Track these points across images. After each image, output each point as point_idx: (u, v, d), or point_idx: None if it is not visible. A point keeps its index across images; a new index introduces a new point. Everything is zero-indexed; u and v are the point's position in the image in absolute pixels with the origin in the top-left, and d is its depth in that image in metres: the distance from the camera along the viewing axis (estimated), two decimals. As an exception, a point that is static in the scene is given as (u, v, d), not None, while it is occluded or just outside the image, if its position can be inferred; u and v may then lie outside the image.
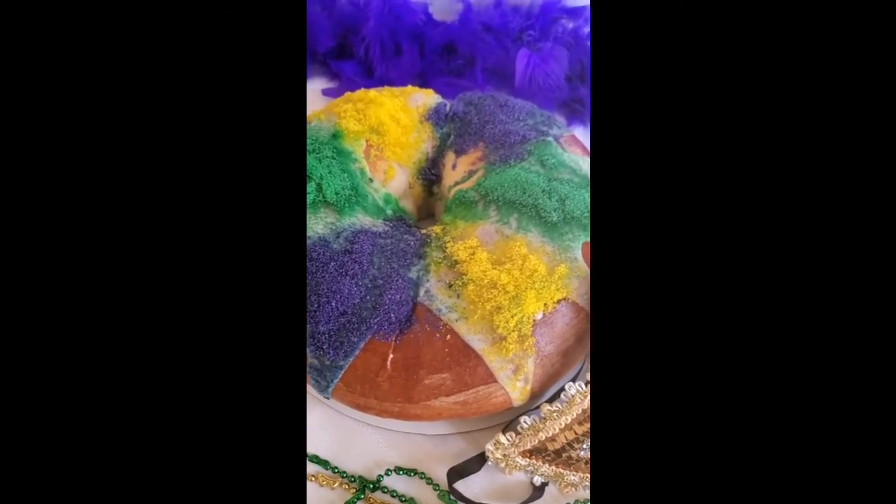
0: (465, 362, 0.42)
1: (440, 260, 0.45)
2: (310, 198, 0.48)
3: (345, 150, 0.51)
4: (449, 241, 0.46)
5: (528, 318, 0.42)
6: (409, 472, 0.46)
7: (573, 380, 0.44)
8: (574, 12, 0.74)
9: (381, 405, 0.43)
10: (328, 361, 0.43)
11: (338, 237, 0.46)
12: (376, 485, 0.45)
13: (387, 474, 0.45)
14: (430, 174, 0.56)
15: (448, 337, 0.42)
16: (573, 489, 0.44)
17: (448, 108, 0.57)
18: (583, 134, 0.66)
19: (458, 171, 0.54)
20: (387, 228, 0.48)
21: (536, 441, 0.44)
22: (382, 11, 0.68)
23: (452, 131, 0.55)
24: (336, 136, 0.52)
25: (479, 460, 0.45)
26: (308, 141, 0.51)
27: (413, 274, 0.45)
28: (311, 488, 0.45)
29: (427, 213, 0.59)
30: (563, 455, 0.44)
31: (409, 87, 0.58)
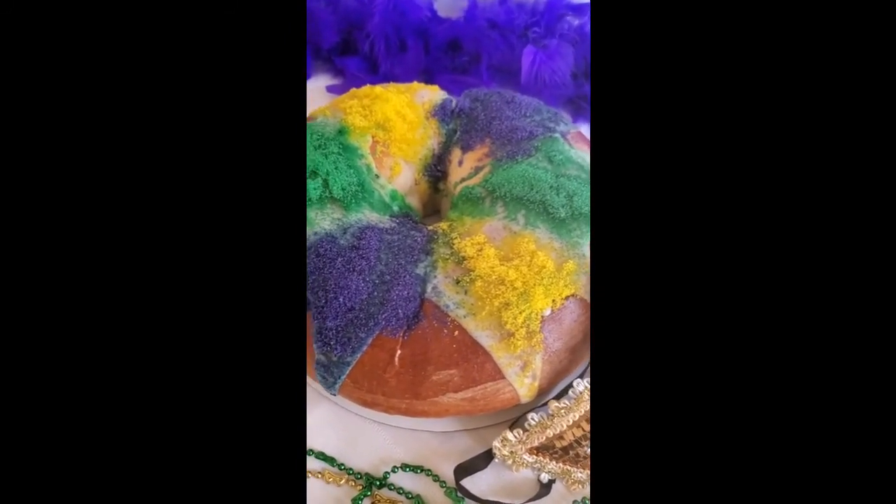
0: (472, 359, 0.41)
1: (447, 256, 0.45)
2: (316, 193, 0.48)
3: (351, 146, 0.51)
4: (456, 238, 0.46)
5: (537, 315, 0.42)
6: (415, 468, 0.45)
7: (581, 376, 0.44)
8: (579, 9, 0.74)
9: (389, 401, 0.43)
10: (336, 357, 0.42)
11: (345, 233, 0.46)
12: (383, 482, 0.45)
13: (393, 471, 0.45)
14: (435, 170, 0.55)
15: (456, 333, 0.42)
16: (580, 486, 0.44)
17: (454, 104, 0.57)
18: (589, 130, 0.66)
19: (464, 168, 0.53)
20: (393, 225, 0.48)
21: (544, 438, 0.44)
22: (387, 7, 0.68)
23: (459, 127, 0.55)
24: (342, 131, 0.52)
25: (486, 457, 0.44)
26: (314, 137, 0.51)
27: (420, 270, 0.44)
28: (318, 485, 0.45)
29: (432, 209, 0.59)
30: (571, 452, 0.44)
31: (415, 84, 0.58)
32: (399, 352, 0.42)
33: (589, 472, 0.44)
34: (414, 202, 0.55)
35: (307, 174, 0.48)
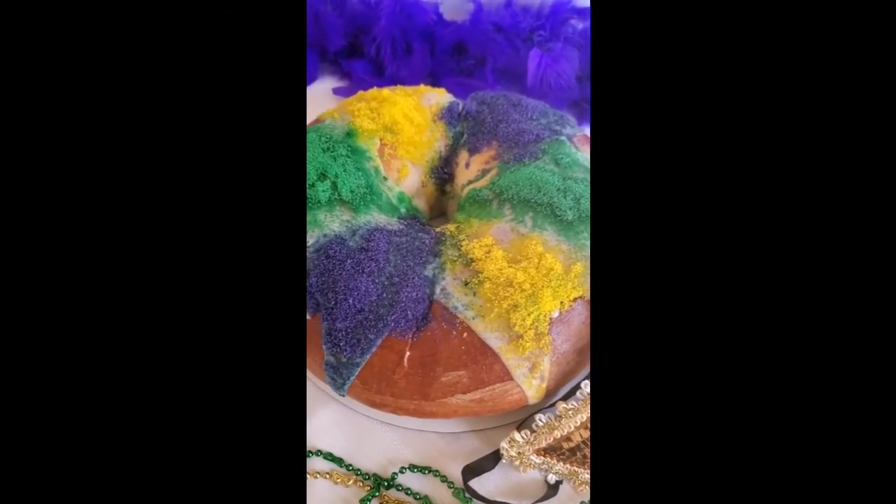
0: (481, 360, 0.42)
1: (455, 258, 0.45)
2: (325, 195, 0.48)
3: (359, 148, 0.52)
4: (464, 240, 0.46)
5: (545, 317, 0.42)
6: (423, 469, 0.46)
7: (588, 378, 0.44)
8: (584, 12, 0.74)
9: (397, 402, 0.43)
10: (345, 359, 0.43)
11: (354, 235, 0.46)
12: (391, 482, 0.45)
13: (401, 472, 0.46)
14: (442, 173, 0.56)
15: (465, 334, 0.42)
16: (587, 487, 0.44)
17: (461, 107, 0.57)
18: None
19: (471, 170, 0.54)
20: (401, 227, 0.48)
21: (551, 439, 0.44)
22: (394, 11, 0.69)
23: (465, 130, 0.55)
24: (350, 134, 0.52)
25: (494, 458, 0.45)
26: (322, 139, 0.51)
27: (429, 272, 0.45)
28: (326, 486, 0.45)
29: (438, 212, 0.59)
30: (578, 453, 0.44)
31: (422, 87, 0.58)
32: (408, 353, 0.42)
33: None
34: (421, 204, 0.56)
35: (316, 176, 0.49)
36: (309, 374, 0.50)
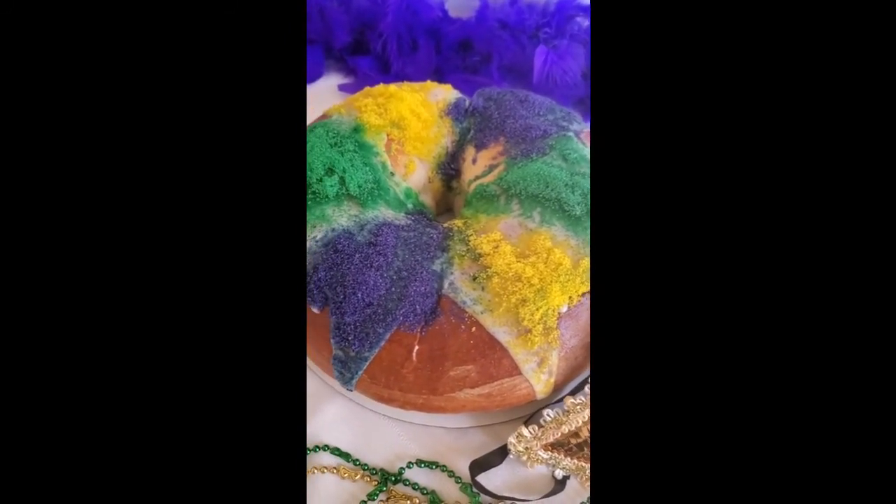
0: (490, 354, 0.42)
1: (464, 253, 0.45)
2: (333, 190, 0.48)
3: (366, 143, 0.52)
4: (472, 235, 0.46)
5: (554, 311, 0.42)
6: (430, 464, 0.46)
7: (596, 373, 0.44)
8: (589, 10, 0.74)
9: (406, 396, 0.43)
10: (353, 353, 0.43)
11: (362, 229, 0.46)
12: (398, 477, 0.45)
13: (408, 467, 0.46)
14: (449, 168, 0.56)
15: (473, 329, 0.42)
16: (595, 483, 0.44)
17: (468, 103, 0.57)
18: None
19: (478, 166, 0.54)
20: (409, 221, 0.48)
21: (559, 434, 0.44)
22: (400, 7, 0.69)
23: (472, 126, 0.55)
24: (357, 129, 0.52)
25: (502, 453, 0.45)
26: (329, 135, 0.51)
27: (437, 266, 0.45)
28: (333, 481, 0.45)
29: (445, 207, 0.59)
30: (586, 448, 0.44)
31: (429, 82, 0.58)
32: (417, 347, 0.42)
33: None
34: (427, 200, 0.56)
35: (323, 171, 0.49)
36: (317, 370, 0.50)
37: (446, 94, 0.57)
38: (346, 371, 0.43)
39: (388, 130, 0.53)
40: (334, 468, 0.46)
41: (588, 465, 0.44)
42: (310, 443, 0.47)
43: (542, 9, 0.74)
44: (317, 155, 0.49)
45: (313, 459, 0.46)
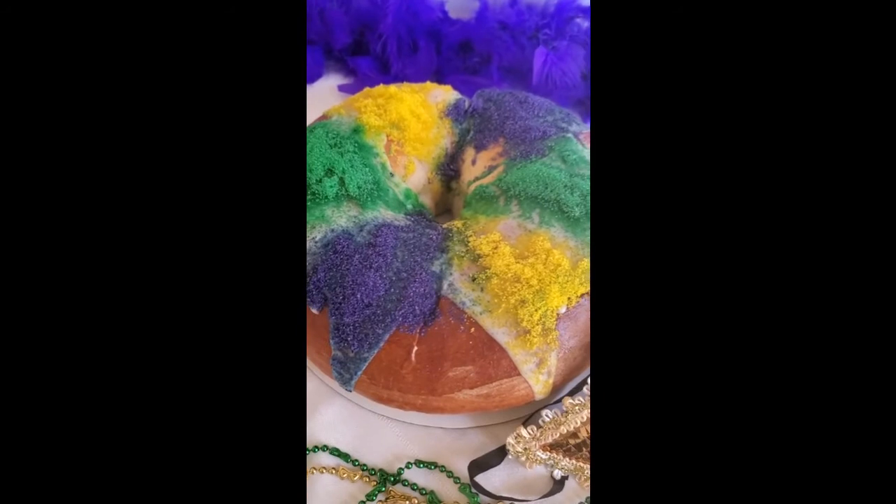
0: (489, 355, 0.42)
1: (463, 254, 0.45)
2: (333, 191, 0.48)
3: (366, 144, 0.52)
4: (471, 236, 0.46)
5: (552, 312, 0.42)
6: (429, 465, 0.46)
7: (595, 374, 0.44)
8: (589, 11, 0.74)
9: (405, 397, 0.43)
10: (352, 353, 0.43)
11: (361, 230, 0.46)
12: (397, 478, 0.45)
13: (407, 467, 0.46)
14: (448, 169, 0.56)
15: (472, 330, 0.42)
16: (594, 483, 0.44)
17: (467, 104, 0.57)
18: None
19: (477, 167, 0.54)
20: (408, 222, 0.48)
21: (558, 435, 0.44)
22: (400, 8, 0.69)
23: (472, 127, 0.56)
24: (357, 130, 0.52)
25: (500, 453, 0.45)
26: (329, 135, 0.52)
27: (436, 267, 0.45)
28: (332, 481, 0.45)
29: (444, 208, 0.59)
30: (584, 449, 0.44)
31: (429, 83, 0.58)
32: (416, 348, 0.42)
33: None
34: (426, 201, 0.56)
35: (323, 172, 0.49)
36: (316, 370, 0.50)
37: (446, 95, 0.57)
38: (345, 372, 0.44)
39: (387, 131, 0.53)
40: (333, 468, 0.46)
41: (586, 466, 0.44)
42: (309, 443, 0.47)
43: (541, 10, 0.74)
44: (316, 156, 0.49)
45: (312, 460, 0.46)
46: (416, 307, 0.43)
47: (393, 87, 0.56)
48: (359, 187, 0.49)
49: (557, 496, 0.44)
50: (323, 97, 0.73)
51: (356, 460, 0.46)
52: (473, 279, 0.44)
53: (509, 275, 0.43)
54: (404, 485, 0.45)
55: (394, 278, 0.43)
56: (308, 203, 0.48)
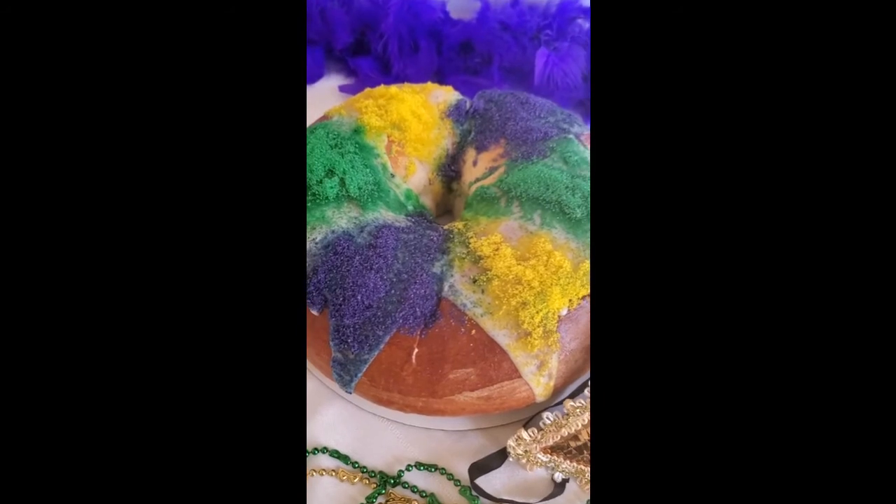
0: (489, 357, 0.42)
1: (464, 255, 0.45)
2: (333, 192, 0.48)
3: (367, 145, 0.51)
4: (472, 237, 0.46)
5: (554, 314, 0.42)
6: (429, 467, 0.46)
7: (596, 377, 0.44)
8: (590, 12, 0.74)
9: (405, 399, 0.43)
10: (353, 355, 0.42)
11: (361, 231, 0.46)
12: (397, 480, 0.45)
13: (408, 469, 0.45)
14: (449, 170, 0.56)
15: (473, 332, 0.42)
16: (595, 486, 0.44)
17: (468, 105, 0.57)
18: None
19: (478, 168, 0.54)
20: (409, 223, 0.48)
21: (559, 437, 0.44)
22: (401, 8, 0.69)
23: (473, 128, 0.55)
24: (358, 131, 0.52)
25: (501, 456, 0.45)
26: (330, 136, 0.51)
27: (437, 269, 0.45)
28: (332, 483, 0.45)
29: (444, 209, 0.59)
30: (585, 451, 0.44)
31: (430, 84, 0.58)
32: (416, 350, 0.42)
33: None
34: (427, 202, 0.56)
35: (324, 173, 0.49)
36: (316, 372, 0.50)
37: (447, 95, 0.57)
38: (345, 374, 0.43)
39: (388, 132, 0.53)
40: (333, 470, 0.45)
41: (587, 469, 0.44)
42: (309, 445, 0.46)
43: (543, 10, 0.73)
44: (317, 156, 0.49)
45: (312, 462, 0.46)
46: (417, 309, 0.42)
47: (394, 88, 0.56)
48: (359, 188, 0.48)
49: (558, 499, 0.44)
50: (324, 97, 0.72)
51: (356, 462, 0.46)
52: (474, 281, 0.44)
53: (510, 276, 0.43)
54: (404, 487, 0.45)
55: (394, 280, 0.43)
56: (308, 204, 0.48)
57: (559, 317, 0.42)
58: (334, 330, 0.43)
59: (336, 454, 0.46)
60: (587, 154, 0.51)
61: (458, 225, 0.48)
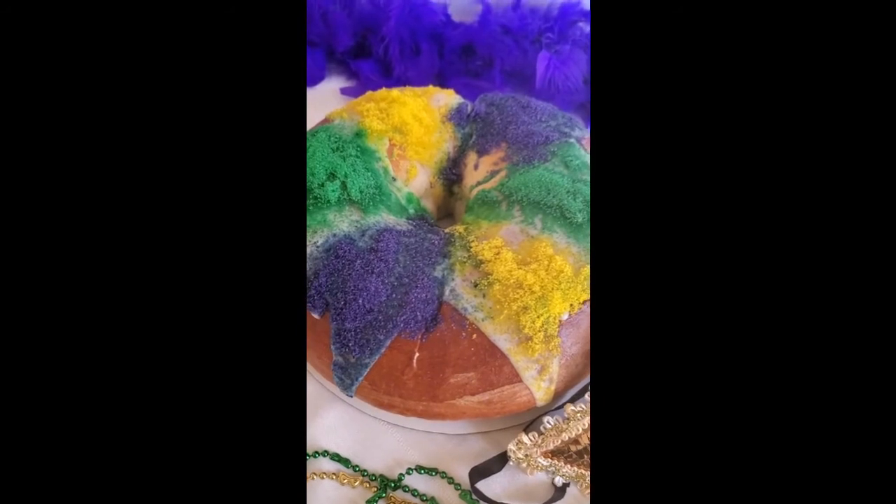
0: (490, 361, 0.42)
1: (465, 259, 0.45)
2: (335, 195, 0.48)
3: (368, 148, 0.51)
4: (473, 241, 0.46)
5: (555, 319, 0.42)
6: (430, 471, 0.46)
7: (596, 381, 0.44)
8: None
9: (406, 403, 0.43)
10: (354, 359, 0.43)
11: (363, 235, 0.46)
12: (397, 484, 0.45)
13: (408, 473, 0.45)
14: (451, 174, 0.56)
15: (474, 336, 0.42)
16: (595, 490, 0.44)
17: (470, 108, 0.57)
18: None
19: (480, 171, 0.54)
20: (410, 227, 0.48)
21: (559, 441, 0.44)
22: (402, 11, 0.69)
23: (474, 131, 0.55)
24: (359, 134, 0.52)
25: (501, 460, 0.45)
26: (331, 139, 0.51)
27: (438, 273, 0.45)
28: (332, 486, 0.45)
29: (445, 213, 0.59)
30: (586, 456, 0.44)
31: (431, 87, 0.58)
32: (417, 354, 0.42)
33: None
34: (428, 205, 0.56)
35: (325, 176, 0.49)
36: (317, 375, 0.50)
37: (448, 99, 0.57)
38: (346, 377, 0.43)
39: (390, 135, 0.53)
40: (334, 474, 0.45)
41: (588, 473, 0.44)
42: (309, 448, 0.46)
43: (544, 14, 0.73)
44: (319, 160, 0.49)
45: (313, 465, 0.46)
46: (418, 313, 0.42)
47: (395, 91, 0.56)
48: (361, 191, 0.48)
49: (559, 503, 0.44)
50: (325, 100, 0.72)
51: (356, 466, 0.46)
52: (475, 285, 0.44)
53: (511, 281, 0.43)
54: (405, 491, 0.45)
55: (395, 284, 0.43)
56: (310, 207, 0.48)
57: (560, 321, 0.42)
58: (335, 334, 0.43)
59: (336, 457, 0.46)
60: (588, 158, 0.51)
61: (460, 229, 0.48)
